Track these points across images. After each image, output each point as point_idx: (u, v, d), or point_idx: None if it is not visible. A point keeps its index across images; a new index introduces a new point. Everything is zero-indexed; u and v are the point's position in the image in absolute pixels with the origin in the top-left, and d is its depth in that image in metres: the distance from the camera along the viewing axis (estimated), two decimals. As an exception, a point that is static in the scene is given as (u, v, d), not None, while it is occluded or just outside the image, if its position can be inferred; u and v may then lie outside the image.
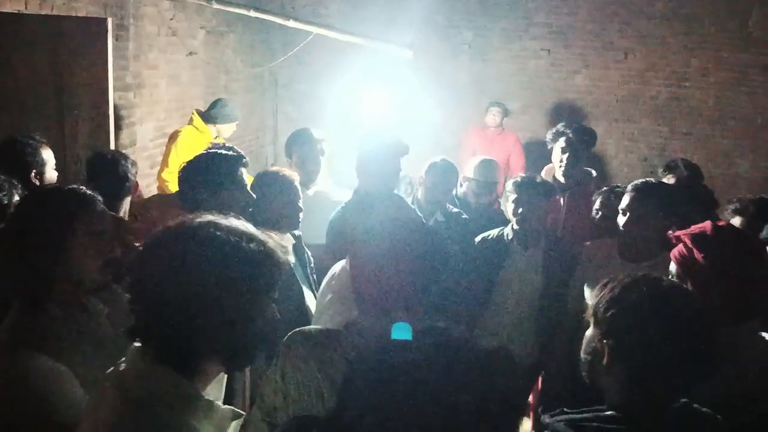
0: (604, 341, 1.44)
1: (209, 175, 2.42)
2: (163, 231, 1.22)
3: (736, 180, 6.62)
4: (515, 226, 3.03)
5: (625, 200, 2.68)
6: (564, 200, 3.52)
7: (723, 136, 6.79)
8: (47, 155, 2.85)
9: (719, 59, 6.63)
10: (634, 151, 7.07)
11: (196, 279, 1.14)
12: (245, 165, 2.48)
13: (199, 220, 1.22)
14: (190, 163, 2.51)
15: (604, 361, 1.44)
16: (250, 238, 1.21)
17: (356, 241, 1.71)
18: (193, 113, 4.79)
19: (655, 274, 1.47)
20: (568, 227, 3.41)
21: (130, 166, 3.18)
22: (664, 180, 3.66)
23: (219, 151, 2.53)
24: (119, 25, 4.47)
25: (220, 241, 1.18)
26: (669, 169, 3.84)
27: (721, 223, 1.92)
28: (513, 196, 3.00)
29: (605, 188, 3.24)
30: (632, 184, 2.71)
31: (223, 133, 4.80)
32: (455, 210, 3.44)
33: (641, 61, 6.86)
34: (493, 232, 3.17)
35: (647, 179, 2.74)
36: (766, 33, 6.45)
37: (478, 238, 3.20)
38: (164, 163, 4.58)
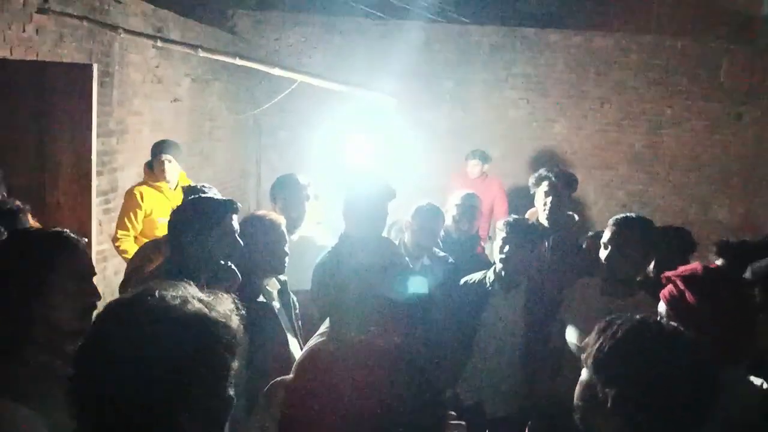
0: (606, 390, 1.40)
1: (196, 220, 2.38)
2: (108, 317, 1.10)
3: (714, 225, 6.73)
4: (498, 266, 3.03)
5: (607, 234, 2.72)
6: (548, 244, 3.53)
7: (699, 182, 6.94)
8: None
9: (693, 108, 6.84)
10: (613, 197, 7.19)
11: (163, 366, 1.03)
12: (235, 211, 2.45)
13: (143, 296, 1.10)
14: (179, 207, 2.48)
15: (607, 408, 1.40)
16: (204, 306, 1.12)
17: (337, 287, 1.68)
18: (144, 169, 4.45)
19: (654, 319, 1.45)
20: (552, 270, 3.41)
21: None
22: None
23: (207, 196, 2.50)
24: (104, 71, 4.49)
25: (175, 318, 1.07)
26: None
27: (712, 266, 1.93)
28: (501, 235, 3.01)
29: (591, 233, 3.26)
30: (613, 218, 2.76)
31: (168, 176, 4.30)
32: (442, 254, 3.45)
33: (617, 110, 7.05)
34: (476, 276, 3.16)
35: (627, 214, 2.78)
36: (736, 83, 6.68)
37: (461, 282, 3.19)
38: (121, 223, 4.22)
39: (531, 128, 7.26)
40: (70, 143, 3.88)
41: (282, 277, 2.89)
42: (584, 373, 1.48)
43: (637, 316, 1.43)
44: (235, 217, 2.45)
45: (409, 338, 1.48)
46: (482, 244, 4.05)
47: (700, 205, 6.93)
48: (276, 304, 2.78)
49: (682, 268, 1.90)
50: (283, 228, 2.86)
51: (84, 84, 3.81)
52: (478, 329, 3.01)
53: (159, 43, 4.86)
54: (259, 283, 2.75)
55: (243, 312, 1.21)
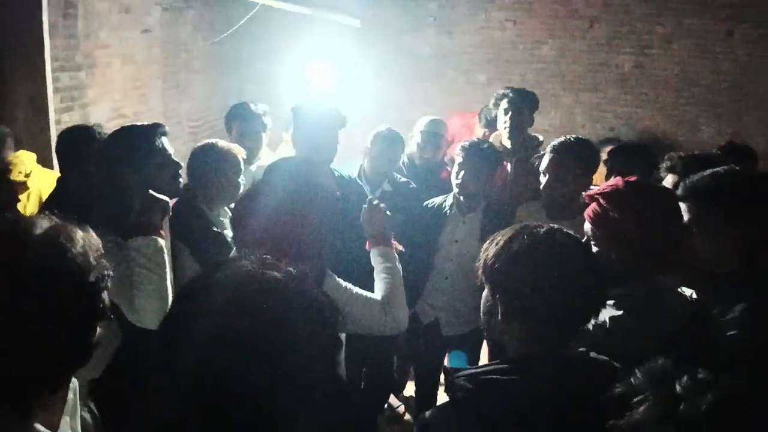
0: (496, 296, 1.43)
1: (130, 150, 2.33)
2: None
3: (701, 147, 6.62)
4: (455, 191, 3.02)
5: (545, 161, 2.69)
6: (511, 166, 3.50)
7: (687, 102, 6.81)
8: None
9: (682, 26, 6.62)
10: (600, 120, 7.08)
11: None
12: (164, 134, 2.39)
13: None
14: (105, 143, 2.40)
15: (499, 316, 1.43)
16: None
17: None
18: None
19: (536, 224, 1.46)
20: (514, 194, 3.40)
21: None
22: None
23: (134, 124, 2.42)
24: (67, 2, 4.37)
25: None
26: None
27: (632, 179, 1.92)
28: (458, 160, 3.00)
29: (542, 152, 3.22)
30: (551, 144, 2.72)
31: None
32: (403, 179, 3.43)
33: (606, 29, 6.84)
34: (437, 200, 3.17)
35: (566, 137, 2.73)
36: (729, -1, 6.45)
37: (423, 206, 3.20)
38: None
39: (518, 51, 7.08)
40: (24, 78, 3.81)
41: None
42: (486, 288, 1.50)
43: (521, 224, 1.44)
44: (165, 139, 2.38)
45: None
46: (448, 169, 3.99)
47: (689, 126, 6.82)
48: (228, 233, 2.80)
49: (603, 185, 1.89)
50: (240, 158, 2.84)
51: (33, 14, 3.72)
52: (436, 251, 3.04)
53: (121, -29, 4.71)
54: (211, 214, 2.77)
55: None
